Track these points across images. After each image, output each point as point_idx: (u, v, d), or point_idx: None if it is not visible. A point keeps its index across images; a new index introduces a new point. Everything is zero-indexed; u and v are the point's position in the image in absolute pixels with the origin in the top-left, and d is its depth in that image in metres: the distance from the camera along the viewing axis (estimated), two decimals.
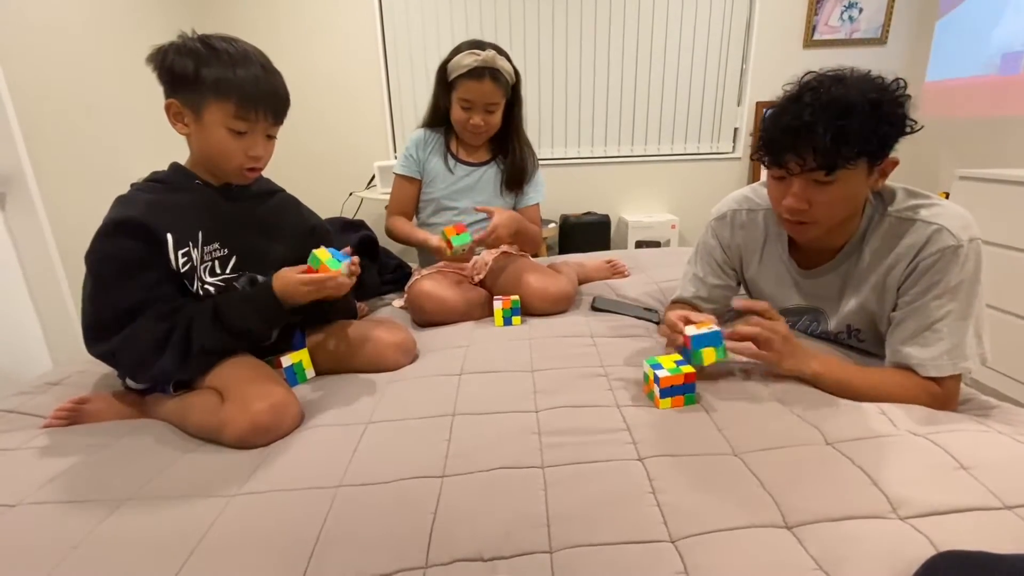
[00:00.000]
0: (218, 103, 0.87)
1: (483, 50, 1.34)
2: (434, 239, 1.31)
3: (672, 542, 0.58)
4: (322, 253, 0.90)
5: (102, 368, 1.07)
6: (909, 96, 0.80)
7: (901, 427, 0.73)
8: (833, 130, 0.75)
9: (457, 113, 1.41)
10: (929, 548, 0.54)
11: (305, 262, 0.91)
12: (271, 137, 0.95)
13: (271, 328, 0.97)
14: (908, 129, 0.80)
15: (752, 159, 0.92)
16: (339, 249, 0.93)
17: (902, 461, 0.67)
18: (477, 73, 1.33)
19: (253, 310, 0.91)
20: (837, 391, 0.84)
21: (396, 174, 1.53)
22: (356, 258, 0.94)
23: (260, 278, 0.99)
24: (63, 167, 1.72)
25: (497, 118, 1.42)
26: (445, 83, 1.41)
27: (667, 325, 0.91)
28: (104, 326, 0.85)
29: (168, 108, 0.89)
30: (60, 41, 1.76)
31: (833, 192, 0.82)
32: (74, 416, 0.91)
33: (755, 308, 0.88)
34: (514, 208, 1.55)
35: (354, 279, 0.94)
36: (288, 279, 0.90)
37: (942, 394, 0.82)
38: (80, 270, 0.87)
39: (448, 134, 1.51)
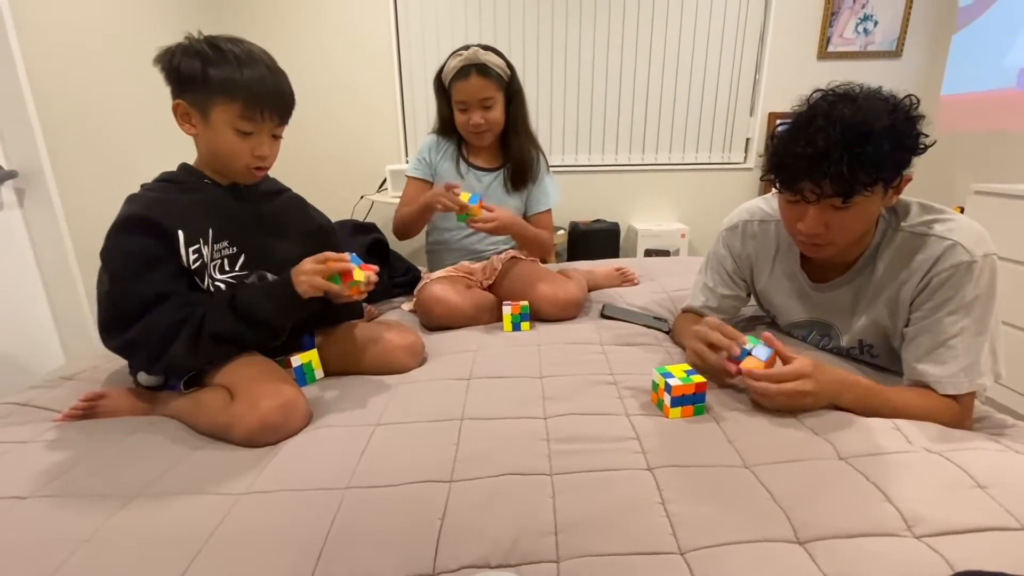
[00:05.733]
0: (225, 104, 0.88)
1: (467, 50, 1.37)
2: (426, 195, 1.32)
3: (681, 554, 0.57)
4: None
5: (116, 364, 1.08)
6: (923, 116, 0.79)
7: (916, 444, 0.72)
8: (850, 157, 0.74)
9: (458, 117, 1.42)
10: (945, 567, 0.53)
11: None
12: (277, 137, 0.96)
13: (288, 320, 0.97)
14: (922, 147, 0.79)
15: (762, 180, 0.93)
16: (351, 253, 0.94)
17: (917, 478, 0.66)
18: (464, 72, 1.36)
19: (271, 301, 0.91)
20: (861, 414, 0.81)
21: (408, 176, 1.54)
22: (375, 268, 0.94)
23: (270, 276, 0.99)
24: (80, 164, 1.74)
25: (497, 114, 1.42)
26: (443, 90, 1.44)
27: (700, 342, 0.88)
28: (121, 320, 0.85)
29: (175, 109, 0.90)
30: (80, 41, 1.79)
31: (849, 215, 0.81)
32: (89, 412, 0.91)
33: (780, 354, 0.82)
34: (524, 213, 1.55)
35: (370, 287, 0.93)
36: (302, 267, 0.90)
37: (959, 411, 0.81)
38: (94, 266, 0.88)
39: (460, 140, 1.52)
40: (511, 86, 1.43)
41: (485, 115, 1.40)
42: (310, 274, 0.89)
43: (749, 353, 0.83)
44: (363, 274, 0.91)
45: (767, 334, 0.84)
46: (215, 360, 0.90)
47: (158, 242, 0.87)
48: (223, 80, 0.86)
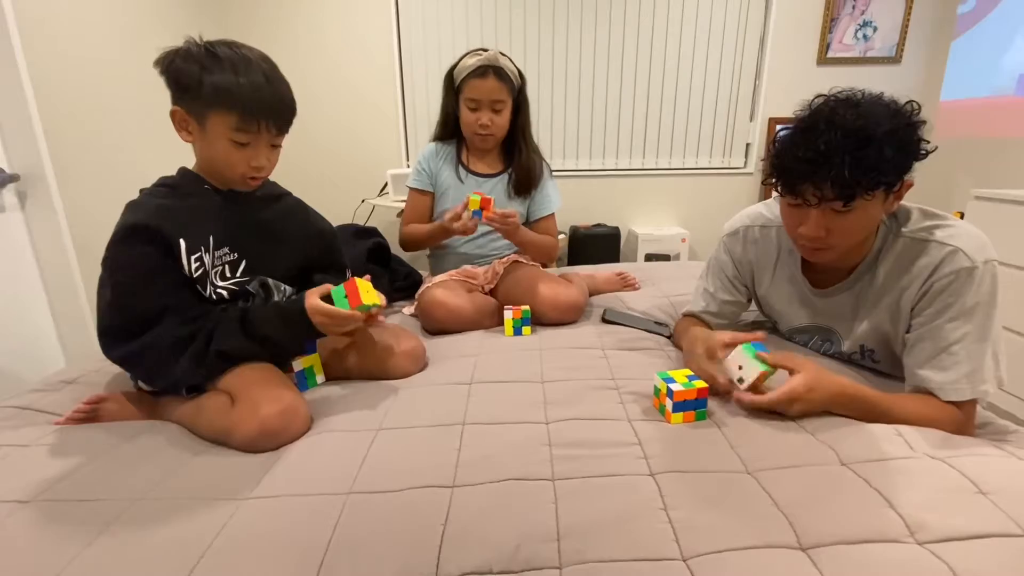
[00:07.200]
0: (220, 115, 0.86)
1: (485, 51, 1.39)
2: (447, 216, 1.33)
3: (684, 560, 0.57)
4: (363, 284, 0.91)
5: (117, 367, 1.07)
6: (924, 121, 0.79)
7: (918, 450, 0.72)
8: (851, 161, 0.75)
9: (465, 115, 1.44)
10: (948, 574, 0.53)
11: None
12: (275, 146, 0.94)
13: (302, 342, 0.97)
14: (923, 153, 0.80)
15: (764, 184, 0.94)
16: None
17: (919, 484, 0.66)
18: (481, 71, 1.38)
19: (287, 327, 0.91)
20: (862, 420, 0.81)
21: (409, 187, 1.55)
22: (384, 301, 0.94)
23: (271, 281, 0.99)
24: (82, 168, 1.75)
25: (504, 118, 1.44)
26: (452, 88, 1.45)
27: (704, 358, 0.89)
28: (122, 331, 0.85)
29: (173, 115, 0.89)
30: (83, 44, 1.80)
31: (850, 220, 0.81)
32: (90, 416, 0.91)
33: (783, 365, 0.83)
34: (527, 218, 1.56)
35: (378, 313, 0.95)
36: (312, 305, 0.89)
37: (962, 418, 0.81)
38: (95, 270, 0.88)
39: (459, 146, 1.53)
40: (520, 95, 1.46)
41: (493, 117, 1.42)
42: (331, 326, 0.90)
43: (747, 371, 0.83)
44: (371, 297, 0.91)
45: (763, 343, 0.84)
46: (219, 374, 0.89)
47: (159, 252, 0.86)
48: (219, 89, 0.84)
